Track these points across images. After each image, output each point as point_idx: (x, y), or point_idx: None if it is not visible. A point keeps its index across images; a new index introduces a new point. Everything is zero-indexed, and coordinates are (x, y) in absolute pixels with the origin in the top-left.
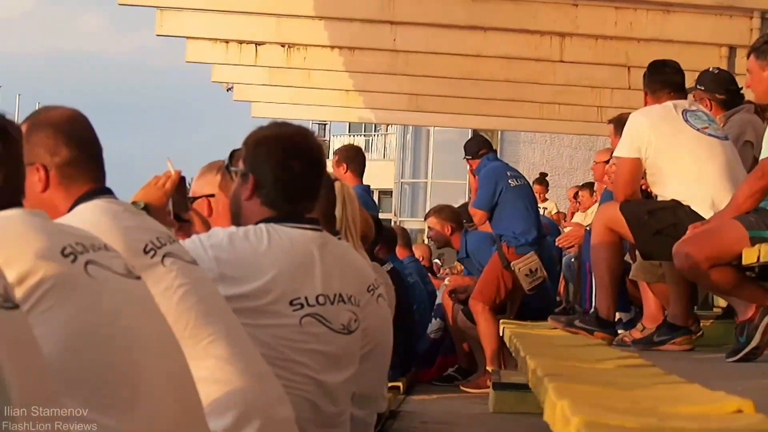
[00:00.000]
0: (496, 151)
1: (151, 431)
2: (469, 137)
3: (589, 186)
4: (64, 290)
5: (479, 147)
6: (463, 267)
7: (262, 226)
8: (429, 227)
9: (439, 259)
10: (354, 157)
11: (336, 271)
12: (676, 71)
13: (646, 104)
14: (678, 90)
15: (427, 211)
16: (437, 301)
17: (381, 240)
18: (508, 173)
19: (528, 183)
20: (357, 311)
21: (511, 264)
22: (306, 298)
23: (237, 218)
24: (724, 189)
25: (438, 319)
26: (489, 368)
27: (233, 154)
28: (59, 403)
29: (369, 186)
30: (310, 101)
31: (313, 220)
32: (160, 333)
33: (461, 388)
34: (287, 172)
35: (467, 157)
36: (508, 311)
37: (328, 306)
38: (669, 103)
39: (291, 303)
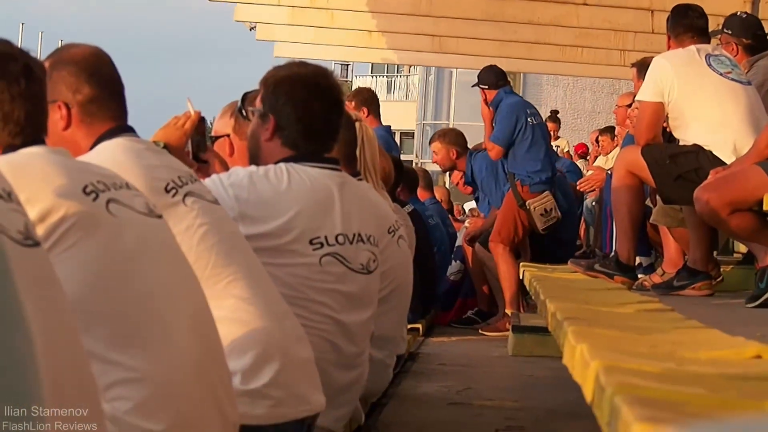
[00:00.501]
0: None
1: (173, 371)
2: (485, 67)
3: (609, 130)
4: (85, 228)
5: (497, 78)
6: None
7: (282, 165)
8: (434, 152)
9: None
10: (372, 100)
11: (355, 211)
12: (699, 15)
13: (668, 48)
14: (701, 34)
15: None
16: (457, 243)
17: (402, 181)
18: (528, 110)
19: (543, 122)
20: (376, 251)
21: (527, 203)
22: (326, 237)
23: (256, 158)
24: (747, 134)
25: (458, 261)
26: (508, 311)
27: (246, 97)
28: (80, 341)
29: (390, 126)
30: (333, 41)
31: (332, 160)
32: (181, 272)
33: (480, 331)
34: (309, 112)
35: (484, 86)
36: (522, 256)
37: (347, 245)
38: (692, 48)
39: (311, 242)
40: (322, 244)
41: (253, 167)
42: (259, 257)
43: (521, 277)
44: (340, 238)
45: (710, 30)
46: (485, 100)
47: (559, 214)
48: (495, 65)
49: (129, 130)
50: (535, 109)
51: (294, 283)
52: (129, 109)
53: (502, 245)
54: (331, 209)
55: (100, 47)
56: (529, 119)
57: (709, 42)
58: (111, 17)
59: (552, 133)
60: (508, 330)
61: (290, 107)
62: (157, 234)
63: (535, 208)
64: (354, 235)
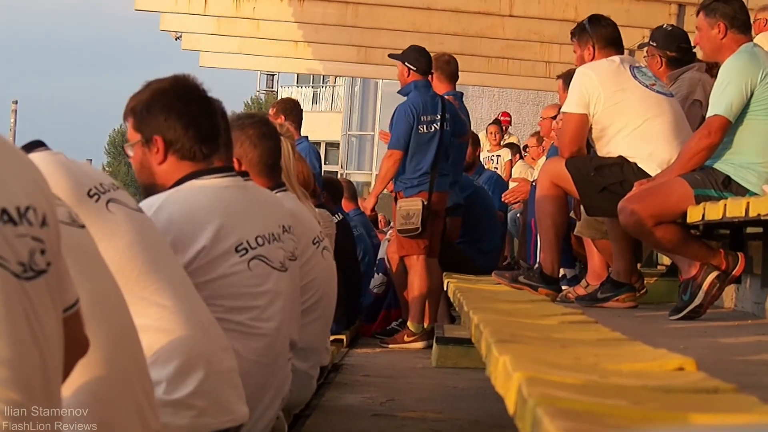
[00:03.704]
0: (430, 77)
1: (96, 380)
2: (416, 48)
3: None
4: None
5: (423, 65)
6: None
7: (181, 188)
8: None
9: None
10: (292, 110)
11: (261, 212)
12: (612, 26)
13: (582, 61)
14: (618, 45)
15: (373, 163)
16: (380, 255)
17: (325, 192)
18: (422, 117)
19: (440, 130)
20: (286, 248)
21: (398, 202)
22: (248, 242)
23: (152, 189)
24: (671, 146)
25: (380, 273)
26: (410, 324)
27: None
28: None
29: (307, 137)
30: (259, 52)
31: (225, 168)
32: (105, 281)
33: (381, 344)
34: (192, 117)
35: (410, 66)
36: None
37: (267, 246)
38: (616, 58)
39: (236, 250)
40: (246, 249)
41: (152, 200)
42: (194, 279)
43: (445, 288)
44: (260, 240)
45: (638, 43)
46: (402, 75)
47: (419, 225)
48: (424, 50)
49: (41, 145)
50: (438, 115)
51: (234, 294)
52: (52, 121)
53: (415, 256)
54: (243, 214)
55: None
56: (420, 127)
57: (623, 53)
58: (34, 24)
59: (493, 135)
60: (406, 342)
61: (174, 119)
62: (79, 243)
63: (400, 207)
64: (269, 234)
